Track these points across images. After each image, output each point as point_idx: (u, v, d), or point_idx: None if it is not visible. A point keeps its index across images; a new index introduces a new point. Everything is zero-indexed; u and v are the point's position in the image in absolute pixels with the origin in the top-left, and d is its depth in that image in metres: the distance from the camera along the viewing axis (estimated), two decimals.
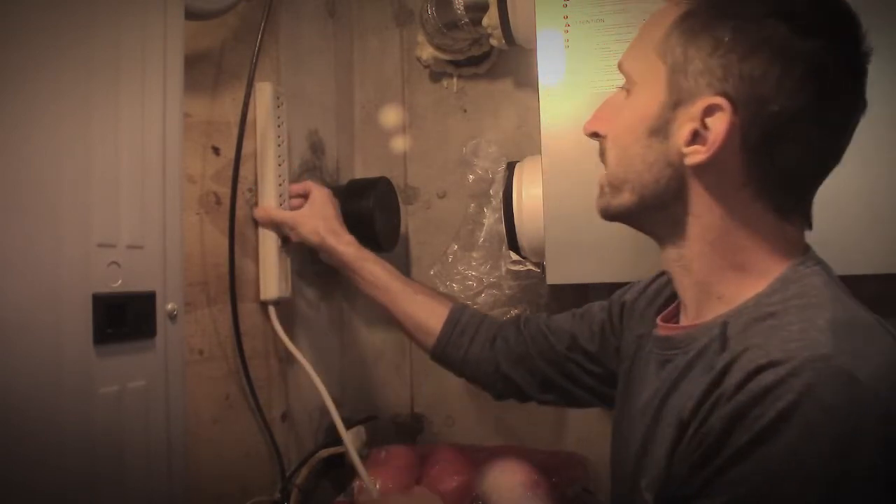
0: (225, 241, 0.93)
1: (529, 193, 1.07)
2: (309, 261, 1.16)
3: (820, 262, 0.59)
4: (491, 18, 1.13)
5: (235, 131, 0.93)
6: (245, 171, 0.98)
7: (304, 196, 1.05)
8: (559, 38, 0.97)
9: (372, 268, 0.99)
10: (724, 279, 0.58)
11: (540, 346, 0.89)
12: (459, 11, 1.18)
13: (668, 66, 0.56)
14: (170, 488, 0.69)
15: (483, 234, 1.20)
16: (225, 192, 0.94)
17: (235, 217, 0.93)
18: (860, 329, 0.52)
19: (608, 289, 0.93)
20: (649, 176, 0.59)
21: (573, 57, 0.97)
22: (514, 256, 1.14)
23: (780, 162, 0.55)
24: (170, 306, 0.70)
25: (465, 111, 1.34)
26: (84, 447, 0.60)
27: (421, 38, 1.30)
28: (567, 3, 0.97)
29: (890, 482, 0.46)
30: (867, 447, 0.46)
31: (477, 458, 1.12)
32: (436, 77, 1.36)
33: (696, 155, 0.55)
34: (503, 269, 1.16)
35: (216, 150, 0.94)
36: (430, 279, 1.23)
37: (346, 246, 1.00)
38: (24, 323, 0.55)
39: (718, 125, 0.54)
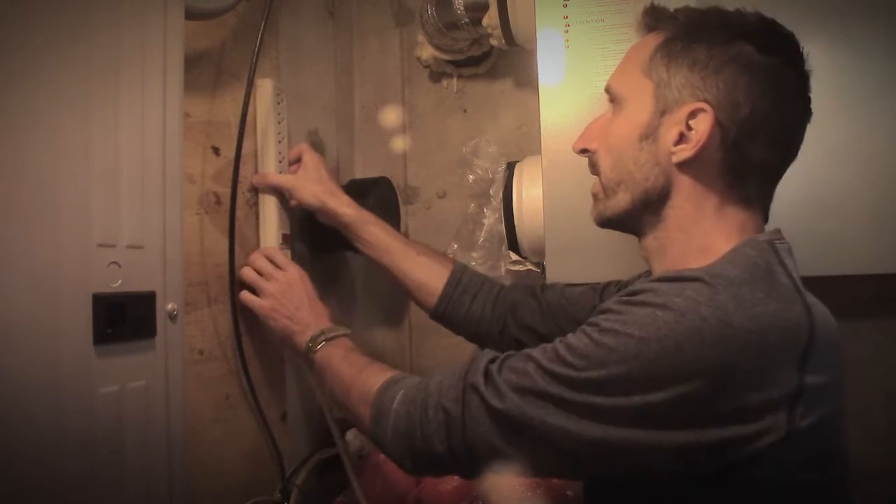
0: (225, 241, 0.93)
1: (529, 193, 1.07)
2: (308, 261, 1.16)
3: (770, 243, 0.64)
4: (491, 18, 1.13)
5: (235, 131, 0.93)
6: (245, 171, 0.98)
7: (298, 160, 1.05)
8: (559, 38, 0.97)
9: (372, 229, 1.00)
10: (691, 261, 0.65)
11: (559, 315, 0.91)
12: (459, 11, 1.18)
13: (654, 82, 0.66)
14: (170, 488, 0.69)
15: (483, 234, 1.20)
16: (225, 192, 0.94)
17: (235, 217, 0.93)
18: (761, 281, 0.58)
19: None
20: (640, 175, 0.67)
21: (573, 57, 0.97)
22: (514, 256, 1.14)
23: (752, 155, 0.64)
24: (170, 306, 0.70)
25: (465, 111, 1.35)
26: (84, 447, 0.60)
27: (421, 38, 1.30)
28: (567, 3, 0.97)
29: (716, 409, 0.54)
30: (711, 358, 0.54)
31: None
32: (436, 77, 1.36)
33: (683, 152, 0.65)
34: (503, 269, 1.16)
35: (216, 150, 0.94)
36: None
37: (346, 208, 1.00)
38: (24, 323, 0.55)
39: (702, 125, 0.63)
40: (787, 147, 0.67)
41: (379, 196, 1.17)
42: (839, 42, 0.88)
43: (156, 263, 0.69)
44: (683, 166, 0.65)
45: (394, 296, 1.38)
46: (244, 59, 0.95)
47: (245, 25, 0.99)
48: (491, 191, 1.20)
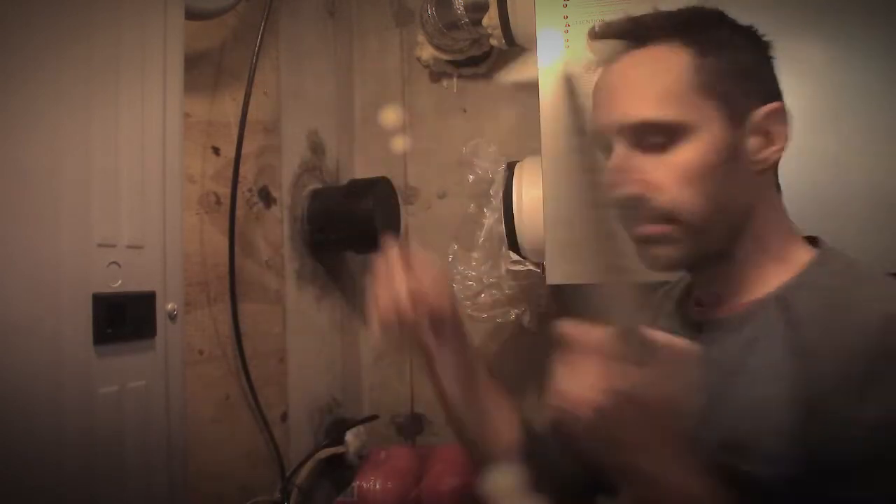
0: (225, 241, 0.93)
1: (529, 193, 1.07)
2: (308, 261, 1.16)
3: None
4: (491, 18, 1.13)
5: (235, 131, 0.93)
6: (245, 171, 0.98)
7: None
8: (559, 38, 0.97)
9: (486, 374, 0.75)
10: (764, 267, 0.62)
11: None
12: (459, 11, 1.18)
13: (718, 98, 0.59)
14: (170, 488, 0.69)
15: (483, 234, 1.19)
16: (225, 192, 0.94)
17: (235, 217, 0.93)
18: None
19: None
20: (732, 202, 0.60)
21: (573, 57, 0.97)
22: (514, 256, 1.14)
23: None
24: (170, 306, 0.70)
25: (465, 111, 1.35)
26: (84, 447, 0.60)
27: (421, 38, 1.30)
28: (567, 3, 0.97)
29: None
30: None
31: None
32: (436, 77, 1.36)
33: (773, 154, 0.60)
34: (503, 269, 1.16)
35: (216, 150, 0.94)
36: None
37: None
38: (24, 323, 0.55)
39: (781, 124, 0.59)
40: None
41: (379, 196, 1.17)
42: (838, 41, 0.88)
43: (156, 263, 0.69)
44: (761, 172, 0.60)
45: None
46: (244, 59, 0.95)
47: (245, 25, 0.99)
48: (491, 191, 1.20)
